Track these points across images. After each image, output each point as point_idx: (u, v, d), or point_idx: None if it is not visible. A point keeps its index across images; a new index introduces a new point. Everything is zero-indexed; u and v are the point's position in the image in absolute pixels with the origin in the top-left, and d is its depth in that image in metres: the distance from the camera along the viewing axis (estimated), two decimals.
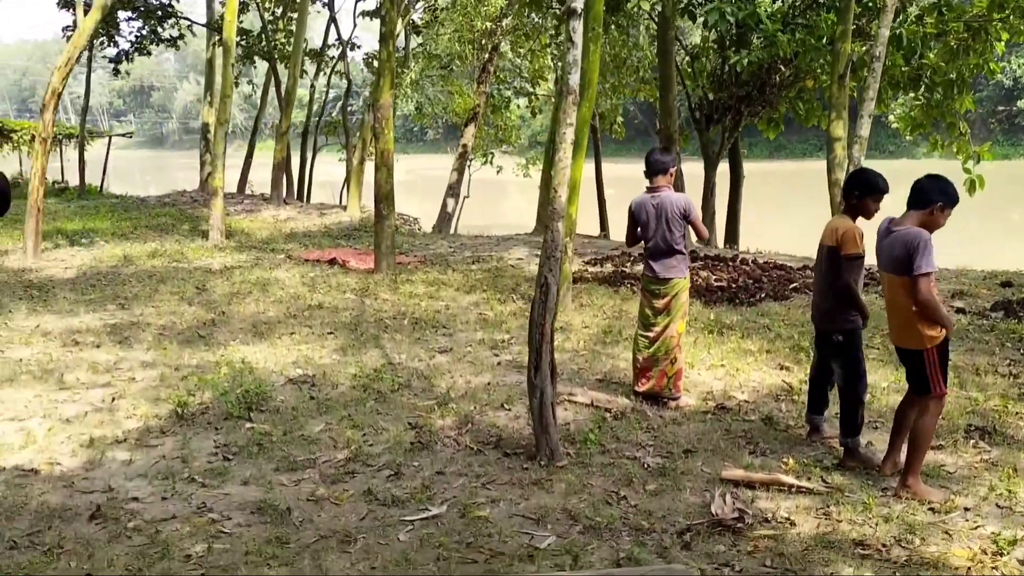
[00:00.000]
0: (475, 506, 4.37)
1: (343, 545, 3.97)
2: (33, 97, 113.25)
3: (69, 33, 21.74)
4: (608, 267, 11.93)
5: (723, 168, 16.98)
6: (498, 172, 24.41)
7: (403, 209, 22.48)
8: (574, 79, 5.01)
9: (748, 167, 19.24)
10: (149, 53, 23.59)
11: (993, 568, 3.63)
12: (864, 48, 12.56)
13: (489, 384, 6.57)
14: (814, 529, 4.05)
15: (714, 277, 10.65)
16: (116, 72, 23.61)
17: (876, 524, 4.07)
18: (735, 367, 6.87)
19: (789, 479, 4.56)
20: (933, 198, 4.34)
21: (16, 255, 12.52)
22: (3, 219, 16.31)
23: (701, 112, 15.91)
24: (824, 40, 12.65)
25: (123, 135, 35.39)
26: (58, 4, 22.01)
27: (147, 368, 6.95)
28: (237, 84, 22.87)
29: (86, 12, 13.93)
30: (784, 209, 28.47)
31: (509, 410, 5.95)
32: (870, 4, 12.54)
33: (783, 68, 13.93)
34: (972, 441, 5.14)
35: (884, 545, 3.86)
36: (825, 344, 5.08)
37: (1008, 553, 3.76)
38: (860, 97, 7.13)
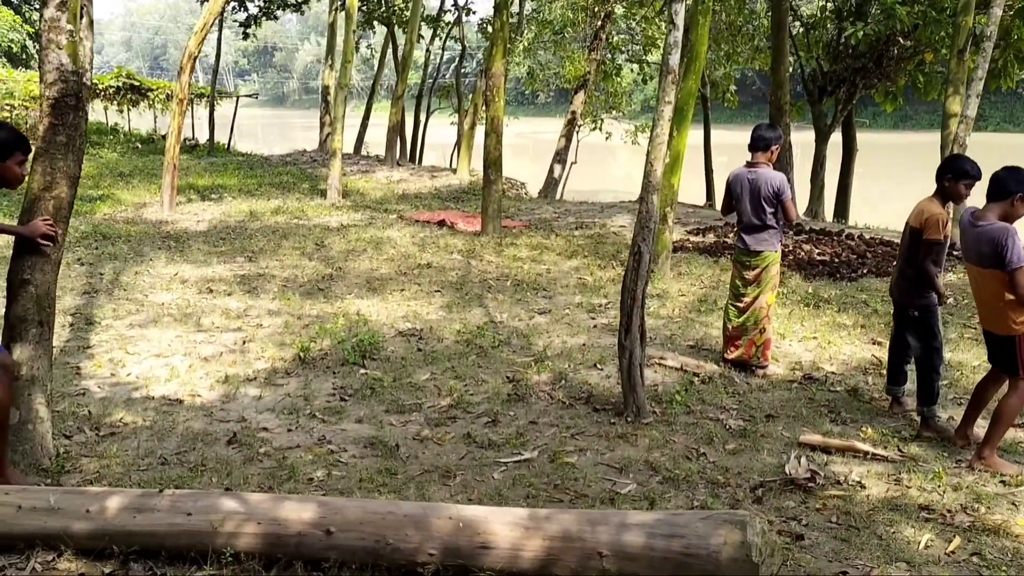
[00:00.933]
0: (564, 453, 4.76)
1: (444, 479, 4.45)
2: (164, 55, 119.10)
3: None
4: (710, 237, 12.04)
5: (836, 139, 16.63)
6: (607, 138, 24.50)
7: (511, 173, 22.94)
8: (674, 59, 5.25)
9: (871, 138, 18.80)
10: (276, 17, 24.63)
11: None
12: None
13: (584, 345, 6.94)
14: (883, 493, 4.27)
15: (817, 251, 10.64)
16: (245, 35, 24.78)
17: (944, 492, 4.26)
18: (827, 340, 7.00)
19: (865, 446, 4.77)
20: (1012, 188, 4.44)
21: (154, 208, 13.60)
22: (142, 174, 17.62)
23: (814, 83, 15.61)
24: (946, 12, 12.24)
25: (250, 96, 37.03)
26: None
27: (273, 316, 7.63)
28: (357, 48, 23.65)
29: None
30: (902, 183, 27.45)
31: (601, 369, 6.31)
32: None
33: (901, 40, 13.53)
34: None
35: (949, 511, 4.05)
36: (902, 318, 5.23)
37: None
38: (969, 76, 7.03)
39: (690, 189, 18.03)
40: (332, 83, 21.84)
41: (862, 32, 12.58)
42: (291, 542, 3.44)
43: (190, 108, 29.27)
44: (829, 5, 15.01)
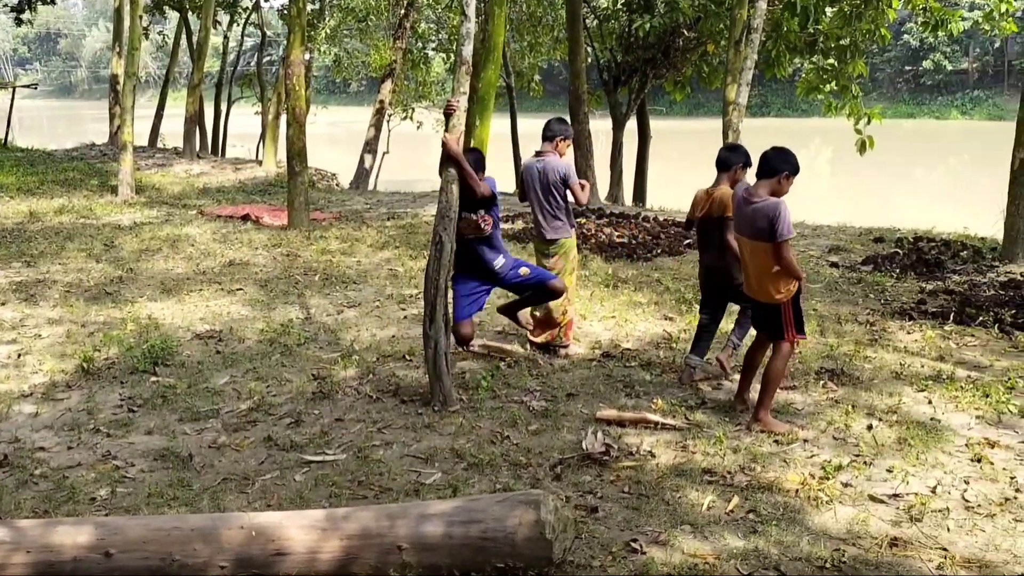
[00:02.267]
0: (369, 449, 4.72)
1: (242, 486, 4.29)
2: None
3: None
4: (519, 224, 12.29)
5: (633, 127, 17.45)
6: (418, 128, 24.43)
7: (324, 164, 22.44)
8: (467, 51, 5.31)
9: (666, 125, 19.84)
10: (53, 2, 22.72)
11: (819, 490, 4.16)
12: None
13: (393, 337, 6.90)
14: (671, 460, 4.54)
15: (616, 234, 11.12)
16: (19, 21, 22.70)
17: (725, 455, 4.58)
18: (624, 318, 7.34)
19: (655, 417, 5.04)
20: (779, 168, 4.84)
21: None
22: None
23: (609, 74, 16.29)
24: (724, 6, 13.12)
25: (28, 86, 33.97)
26: None
27: (53, 325, 7.06)
28: (147, 35, 22.24)
29: None
30: (693, 167, 29.20)
31: (410, 360, 6.30)
32: None
33: (686, 32, 14.38)
34: (822, 382, 5.72)
35: (729, 472, 4.37)
36: (725, 292, 5.68)
37: (833, 477, 4.30)
38: (741, 66, 7.57)
39: (499, 177, 18.30)
40: (121, 72, 20.42)
41: (649, 24, 13.26)
42: (66, 569, 3.22)
43: None
44: None
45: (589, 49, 16.25)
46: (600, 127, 15.76)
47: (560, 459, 4.55)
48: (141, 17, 15.72)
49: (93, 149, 22.64)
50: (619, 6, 16.00)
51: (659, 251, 10.09)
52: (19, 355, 6.29)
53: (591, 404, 5.40)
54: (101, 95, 79.99)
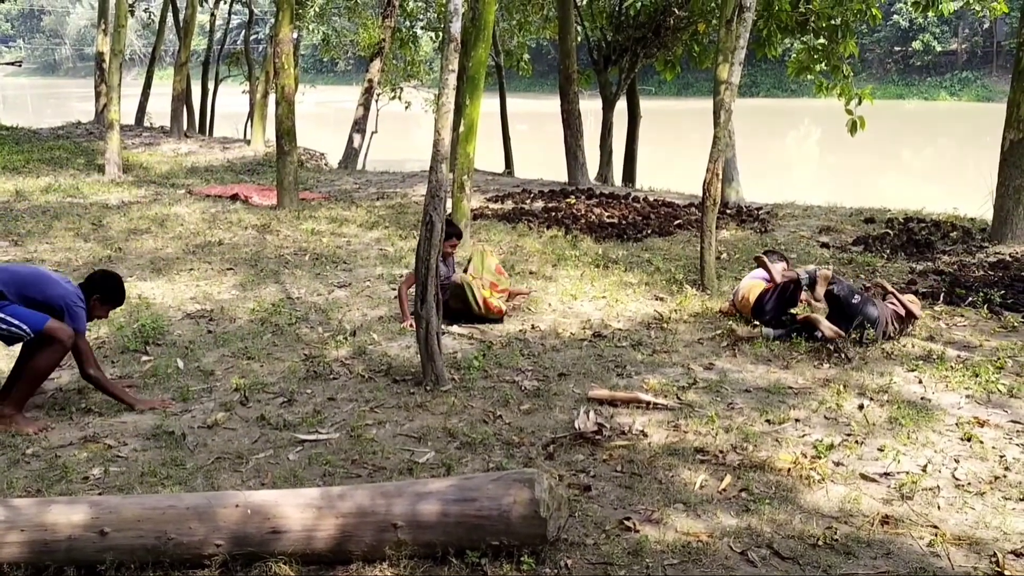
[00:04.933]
0: (362, 428, 4.72)
1: (235, 464, 4.29)
2: None
3: None
4: (508, 204, 12.27)
5: (623, 107, 17.40)
6: (407, 107, 24.28)
7: (311, 143, 22.26)
8: (455, 27, 5.26)
9: (656, 104, 19.78)
10: None
11: (811, 469, 4.19)
12: None
13: (384, 317, 6.89)
14: (663, 440, 4.56)
15: (607, 214, 11.12)
16: None
17: (717, 435, 4.60)
18: (615, 298, 7.35)
19: (647, 396, 5.06)
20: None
21: None
22: None
23: (599, 53, 16.22)
24: None
25: (12, 63, 33.56)
26: None
27: None
28: (132, 12, 21.96)
29: None
30: (683, 147, 29.24)
31: (402, 340, 6.29)
32: None
33: (677, 11, 14.32)
34: (813, 363, 5.75)
35: (721, 452, 4.40)
36: None
37: (825, 457, 4.33)
38: (733, 45, 7.55)
39: (488, 157, 18.28)
40: (106, 49, 20.17)
41: (640, 3, 13.18)
42: (61, 547, 3.21)
43: None
44: None
45: (579, 28, 16.15)
46: (589, 107, 15.69)
47: (552, 438, 4.57)
48: None
49: (79, 128, 22.38)
50: None
51: (649, 231, 10.10)
52: None
53: (583, 384, 5.42)
54: (86, 73, 79.07)
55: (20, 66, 36.86)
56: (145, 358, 5.80)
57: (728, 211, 11.25)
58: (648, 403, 5.01)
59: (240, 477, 4.16)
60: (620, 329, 6.56)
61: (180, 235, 9.79)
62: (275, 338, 6.34)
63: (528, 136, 31.72)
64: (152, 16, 26.62)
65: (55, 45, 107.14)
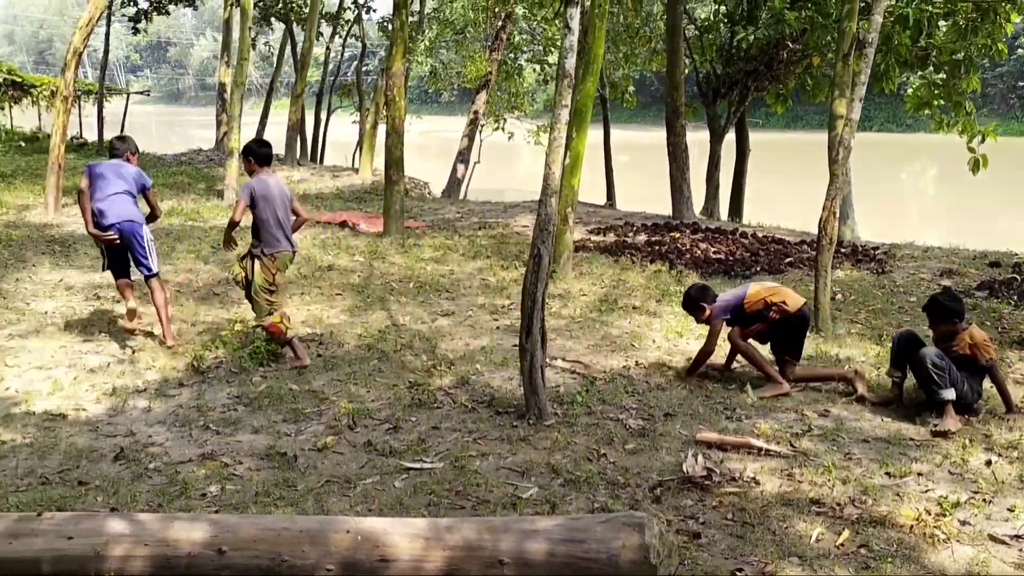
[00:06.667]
0: (466, 458, 4.73)
1: (344, 489, 4.36)
2: (50, 49, 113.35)
3: None
4: (611, 237, 12.22)
5: (730, 139, 17.15)
6: (509, 138, 24.57)
7: (415, 172, 22.77)
8: (570, 63, 5.29)
9: (763, 137, 19.38)
10: (167, 12, 23.78)
11: (935, 527, 3.96)
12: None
13: (487, 347, 6.93)
14: (776, 488, 4.41)
15: (712, 249, 10.93)
16: (135, 31, 23.83)
17: (834, 486, 4.42)
18: (722, 338, 7.17)
19: (759, 442, 4.91)
20: None
21: (38, 210, 12.90)
22: (25, 174, 16.72)
23: (708, 86, 16.05)
24: (831, 18, 12.76)
25: (141, 92, 35.60)
26: None
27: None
28: (254, 46, 23.05)
29: None
30: (792, 182, 28.53)
31: (504, 372, 6.30)
32: None
33: (791, 44, 14.05)
34: (934, 415, 5.47)
35: (839, 504, 4.21)
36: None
37: (950, 514, 4.09)
38: (853, 80, 7.34)
39: (590, 188, 18.26)
40: (228, 80, 21.21)
41: (753, 36, 13.00)
42: (181, 563, 3.32)
43: (77, 105, 27.95)
44: (722, 9, 15.44)
45: (687, 61, 16.05)
46: (694, 139, 15.52)
47: (659, 481, 4.47)
48: (249, 28, 16.28)
49: (200, 154, 23.56)
50: (720, 17, 15.76)
51: (758, 269, 9.86)
52: (134, 352, 6.55)
53: (690, 425, 5.30)
54: (207, 102, 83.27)
55: (148, 95, 39.08)
56: (259, 379, 5.99)
57: (843, 250, 10.90)
58: (760, 449, 4.85)
59: (349, 502, 4.22)
60: (729, 370, 6.40)
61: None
62: (381, 364, 6.45)
63: (629, 167, 31.61)
64: (271, 49, 27.88)
65: (179, 75, 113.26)
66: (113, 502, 4.11)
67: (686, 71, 15.44)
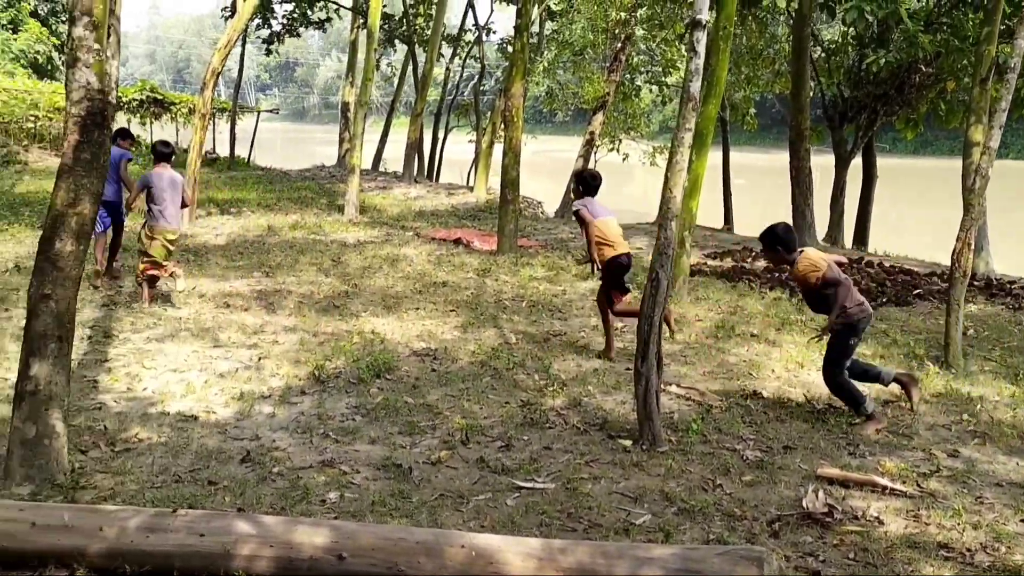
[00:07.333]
0: (578, 481, 4.72)
1: (457, 504, 4.42)
2: (188, 68, 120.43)
3: (226, 14, 23.23)
4: (728, 261, 11.99)
5: (855, 164, 16.59)
6: (624, 159, 24.47)
7: (528, 192, 22.93)
8: (695, 86, 5.25)
9: (889, 163, 18.67)
10: (299, 35, 24.88)
11: None
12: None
13: (599, 369, 6.90)
14: (902, 530, 4.21)
15: None
16: (268, 52, 25.05)
17: (964, 530, 4.18)
18: None
19: (883, 480, 4.70)
20: None
21: None
22: None
23: (835, 109, 15.59)
24: (968, 41, 12.19)
25: (270, 111, 37.34)
26: None
27: (289, 333, 7.64)
28: (377, 66, 23.83)
29: None
30: (921, 210, 27.30)
31: (617, 395, 6.26)
32: (1022, 4, 11.98)
33: (923, 68, 13.49)
34: None
35: (969, 550, 3.99)
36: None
37: None
38: (993, 107, 6.99)
39: (708, 212, 17.98)
40: (352, 100, 22.00)
41: (884, 59, 12.55)
42: (303, 566, 3.43)
43: (211, 122, 29.59)
44: (851, 31, 14.98)
45: (813, 83, 15.63)
46: (815, 163, 15.08)
47: (778, 515, 4.34)
48: (375, 49, 16.85)
49: (323, 170, 24.49)
50: (849, 40, 15.30)
51: (885, 300, 9.47)
52: (259, 359, 6.84)
53: (810, 459, 5.13)
54: (330, 120, 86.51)
55: (277, 113, 41.03)
56: (376, 390, 6.15)
57: (976, 283, 10.35)
58: (884, 487, 4.65)
59: (461, 517, 4.27)
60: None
61: (408, 275, 10.37)
62: (493, 381, 6.52)
63: (746, 191, 30.95)
64: (393, 69, 28.76)
65: (305, 94, 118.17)
66: (240, 502, 4.29)
67: (811, 94, 15.04)
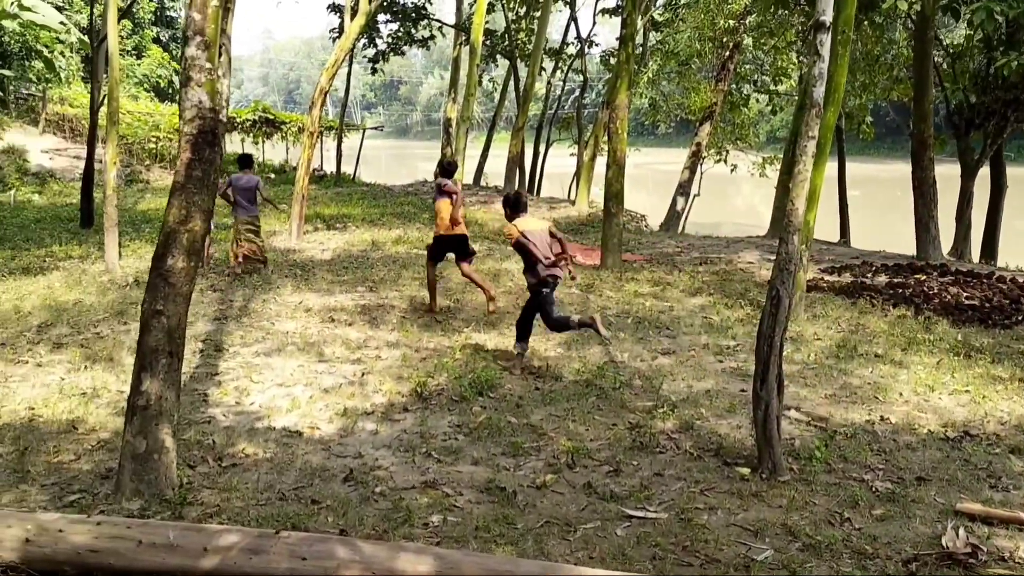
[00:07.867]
0: (692, 511, 4.45)
1: (564, 532, 4.21)
2: (298, 89, 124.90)
3: (335, 35, 23.86)
4: (847, 276, 11.41)
5: (983, 174, 15.60)
6: (732, 171, 23.84)
7: (630, 205, 22.58)
8: (819, 92, 4.93)
9: (1020, 172, 17.49)
10: (403, 53, 25.32)
11: None
12: None
13: (711, 390, 6.58)
14: None
15: (965, 294, 9.87)
16: (374, 71, 25.58)
17: None
18: (982, 394, 6.40)
19: None
20: None
21: (283, 236, 14.02)
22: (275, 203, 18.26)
23: (960, 116, 14.69)
24: None
25: (375, 128, 38.22)
26: (328, 8, 24.21)
27: (391, 348, 7.61)
28: (480, 83, 23.99)
29: (352, 16, 15.25)
30: None
31: (732, 419, 5.94)
32: None
33: None
34: None
35: None
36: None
37: None
38: None
39: (822, 224, 17.27)
40: (454, 116, 22.19)
41: (1016, 62, 11.71)
42: None
43: (319, 140, 30.46)
44: (977, 33, 14.12)
45: (936, 90, 14.80)
46: (940, 173, 14.24)
47: (915, 554, 3.97)
48: (477, 65, 16.92)
49: (425, 185, 24.76)
50: (975, 43, 14.41)
51: (1020, 317, 8.77)
52: (363, 374, 6.82)
53: (947, 493, 4.70)
54: (432, 136, 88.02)
55: (381, 130, 42.01)
56: (479, 409, 6.02)
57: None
58: None
59: (568, 546, 4.07)
60: (993, 433, 5.66)
61: (510, 290, 10.24)
62: (599, 402, 6.29)
63: (861, 202, 29.72)
64: (495, 84, 28.93)
65: (408, 111, 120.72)
66: (343, 523, 4.21)
67: (934, 101, 14.24)
